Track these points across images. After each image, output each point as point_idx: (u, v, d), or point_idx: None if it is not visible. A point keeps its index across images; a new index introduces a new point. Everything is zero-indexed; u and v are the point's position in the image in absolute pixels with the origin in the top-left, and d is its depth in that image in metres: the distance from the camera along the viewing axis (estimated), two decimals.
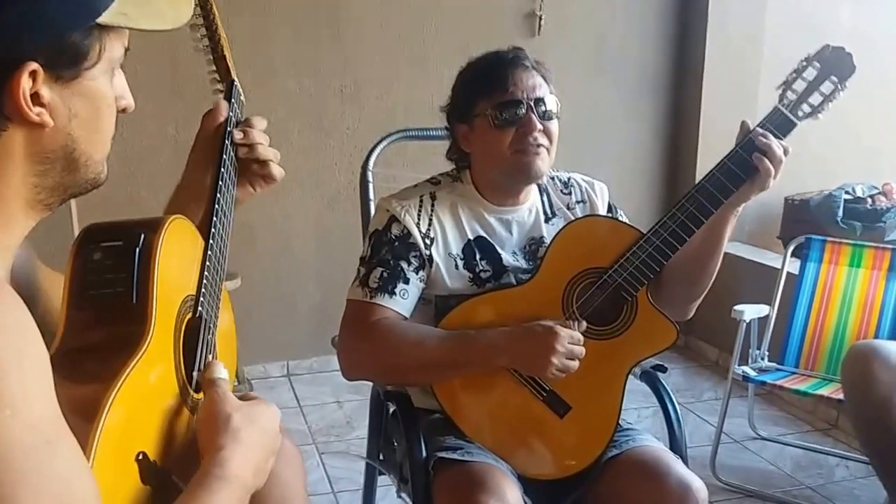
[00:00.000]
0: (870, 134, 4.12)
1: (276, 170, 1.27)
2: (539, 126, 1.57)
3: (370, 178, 2.02)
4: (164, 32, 0.87)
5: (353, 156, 3.55)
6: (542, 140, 1.58)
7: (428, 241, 1.61)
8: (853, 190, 3.63)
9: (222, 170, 1.17)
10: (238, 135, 1.22)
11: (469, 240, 1.65)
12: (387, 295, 1.56)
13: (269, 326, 3.66)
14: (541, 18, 3.71)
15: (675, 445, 1.69)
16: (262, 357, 3.66)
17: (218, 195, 1.14)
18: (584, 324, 1.54)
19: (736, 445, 3.04)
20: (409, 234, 1.60)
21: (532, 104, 1.57)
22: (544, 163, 1.60)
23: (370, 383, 1.92)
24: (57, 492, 0.68)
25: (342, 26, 3.51)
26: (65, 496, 0.69)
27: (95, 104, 0.83)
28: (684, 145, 4.03)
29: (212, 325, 1.05)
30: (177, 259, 0.98)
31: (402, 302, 1.58)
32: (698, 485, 1.49)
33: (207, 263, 1.05)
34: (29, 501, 0.66)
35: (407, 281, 1.58)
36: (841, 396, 2.46)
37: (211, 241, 1.08)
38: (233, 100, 1.24)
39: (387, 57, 3.60)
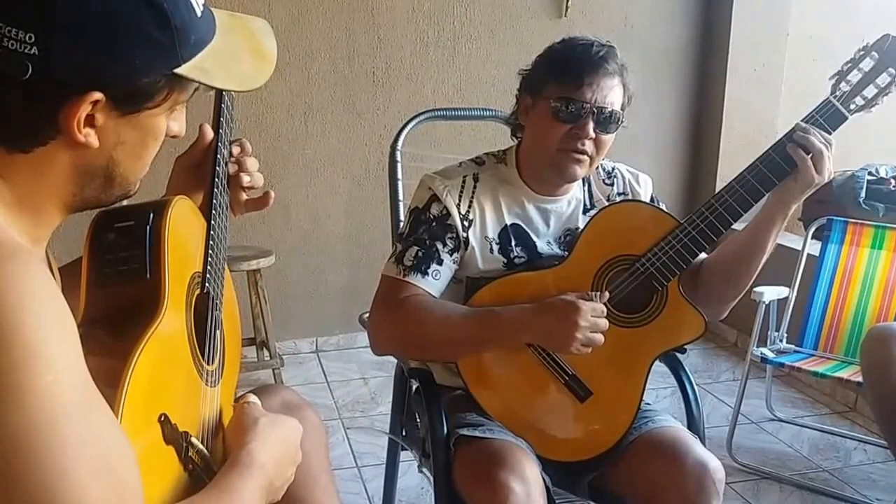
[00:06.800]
0: (892, 113, 4.05)
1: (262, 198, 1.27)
2: (592, 134, 1.54)
3: (398, 158, 2.04)
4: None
5: (382, 136, 3.63)
6: (590, 148, 1.55)
7: (466, 223, 1.61)
8: (876, 171, 3.57)
9: (217, 168, 1.19)
10: (232, 168, 1.23)
11: (506, 225, 1.64)
12: (420, 274, 1.58)
13: (301, 303, 3.75)
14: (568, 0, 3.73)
15: (693, 426, 1.69)
16: (294, 333, 3.75)
17: (216, 179, 1.17)
18: (607, 294, 1.53)
19: (753, 427, 3.03)
20: (449, 214, 1.60)
21: (595, 111, 1.53)
22: (583, 169, 1.59)
23: (395, 360, 1.94)
24: (98, 450, 0.72)
25: (376, 10, 3.58)
26: (106, 453, 0.72)
27: (144, 137, 0.87)
28: (708, 125, 3.99)
29: (218, 302, 1.10)
30: (184, 237, 1.03)
31: (434, 283, 1.58)
32: (716, 465, 1.49)
33: (210, 242, 1.10)
34: (75, 460, 0.69)
35: (441, 262, 1.59)
36: (860, 379, 2.43)
37: (212, 222, 1.12)
38: (224, 95, 1.23)
39: (417, 39, 3.65)
